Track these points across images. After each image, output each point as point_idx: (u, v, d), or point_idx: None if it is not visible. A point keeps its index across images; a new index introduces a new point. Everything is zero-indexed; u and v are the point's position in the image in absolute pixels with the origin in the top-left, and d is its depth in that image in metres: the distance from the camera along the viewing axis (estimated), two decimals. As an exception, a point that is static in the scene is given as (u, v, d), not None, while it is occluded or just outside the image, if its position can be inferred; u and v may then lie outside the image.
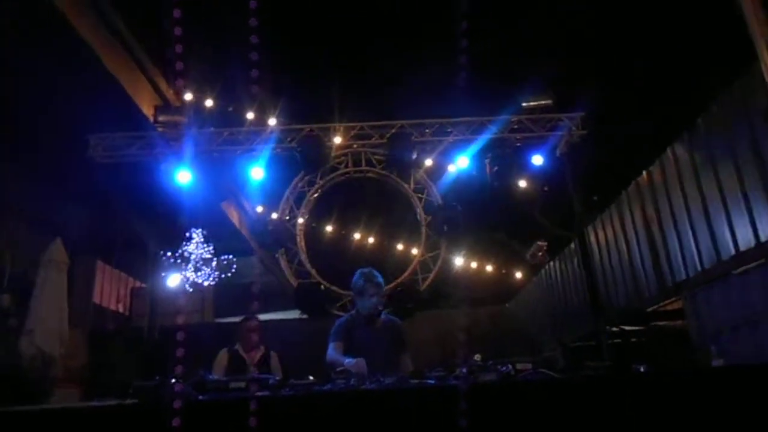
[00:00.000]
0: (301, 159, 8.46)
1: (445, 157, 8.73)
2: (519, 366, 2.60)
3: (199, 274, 9.81)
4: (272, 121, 8.61)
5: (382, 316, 3.88)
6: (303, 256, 8.78)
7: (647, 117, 8.85)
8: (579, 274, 9.45)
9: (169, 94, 9.20)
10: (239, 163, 8.36)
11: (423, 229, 8.91)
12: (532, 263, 10.98)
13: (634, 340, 9.34)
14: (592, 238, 9.57)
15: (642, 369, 2.63)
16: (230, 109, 8.62)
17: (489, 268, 12.03)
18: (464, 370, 2.59)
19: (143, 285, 12.85)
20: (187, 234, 9.22)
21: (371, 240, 12.29)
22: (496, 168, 8.42)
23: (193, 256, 9.46)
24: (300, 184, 8.96)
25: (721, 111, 6.29)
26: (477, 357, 2.74)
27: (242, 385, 2.49)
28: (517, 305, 12.79)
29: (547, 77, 8.64)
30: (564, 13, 8.22)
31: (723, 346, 6.05)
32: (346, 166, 9.00)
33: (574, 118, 8.54)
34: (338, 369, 3.02)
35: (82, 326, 9.48)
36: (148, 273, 11.45)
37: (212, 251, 9.77)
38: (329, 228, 11.46)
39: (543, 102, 8.53)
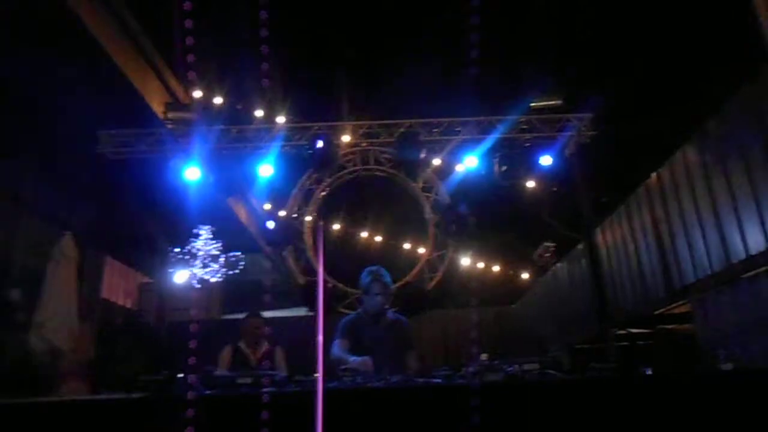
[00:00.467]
0: (310, 158, 8.48)
1: (454, 156, 8.72)
2: (525, 366, 2.60)
3: (206, 270, 9.86)
4: (281, 119, 8.64)
5: (389, 315, 3.88)
6: (310, 254, 8.81)
7: (657, 118, 8.78)
8: (586, 276, 9.41)
9: (179, 91, 9.24)
10: (248, 160, 8.39)
11: (430, 229, 8.91)
12: (539, 264, 10.96)
13: (641, 342, 9.30)
14: (600, 240, 9.51)
15: (648, 372, 2.63)
16: (239, 106, 8.65)
17: (496, 268, 11.99)
18: (471, 369, 2.59)
19: (151, 280, 12.91)
20: (195, 230, 9.29)
21: (378, 238, 12.28)
22: (504, 168, 8.39)
23: (200, 253, 9.51)
24: (308, 182, 8.98)
25: (732, 113, 6.22)
26: (484, 357, 2.74)
27: (249, 380, 2.51)
28: (523, 306, 12.74)
29: (557, 78, 8.62)
30: (574, 14, 8.19)
31: (731, 350, 5.99)
32: (354, 165, 9.01)
33: (583, 118, 8.52)
34: (344, 367, 3.02)
35: (90, 320, 9.55)
36: (156, 269, 11.52)
37: (220, 248, 9.83)
38: (336, 226, 11.47)
39: (552, 102, 8.52)
